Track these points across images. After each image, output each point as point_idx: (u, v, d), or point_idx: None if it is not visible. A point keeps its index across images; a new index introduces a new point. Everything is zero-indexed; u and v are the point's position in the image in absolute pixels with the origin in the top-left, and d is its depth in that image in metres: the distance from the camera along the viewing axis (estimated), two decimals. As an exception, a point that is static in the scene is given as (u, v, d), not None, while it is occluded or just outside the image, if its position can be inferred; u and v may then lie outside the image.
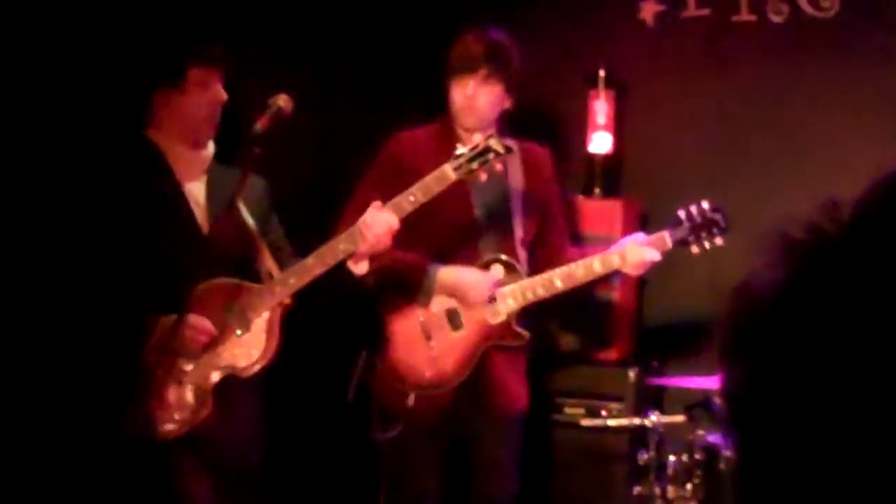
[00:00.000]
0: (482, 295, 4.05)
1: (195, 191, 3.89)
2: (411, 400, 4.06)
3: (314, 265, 3.78)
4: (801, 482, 0.92)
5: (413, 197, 3.77)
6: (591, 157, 5.17)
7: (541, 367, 4.88)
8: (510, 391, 4.17)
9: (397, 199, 3.78)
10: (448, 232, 4.01)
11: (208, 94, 3.83)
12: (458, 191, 3.95)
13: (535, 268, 4.12)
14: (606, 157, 5.17)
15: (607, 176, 5.18)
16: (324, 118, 4.75)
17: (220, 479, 3.82)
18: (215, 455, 3.80)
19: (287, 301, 3.82)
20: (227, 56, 3.90)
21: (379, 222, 3.76)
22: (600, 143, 5.16)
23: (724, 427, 1.03)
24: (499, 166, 3.81)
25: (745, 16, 5.03)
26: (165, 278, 3.73)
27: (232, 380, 3.79)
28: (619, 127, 5.18)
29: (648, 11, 5.16)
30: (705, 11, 5.09)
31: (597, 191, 5.14)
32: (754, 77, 5.01)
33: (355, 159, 4.31)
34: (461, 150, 3.75)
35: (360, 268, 3.85)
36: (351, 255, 3.80)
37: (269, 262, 3.89)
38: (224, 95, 3.86)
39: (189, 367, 3.76)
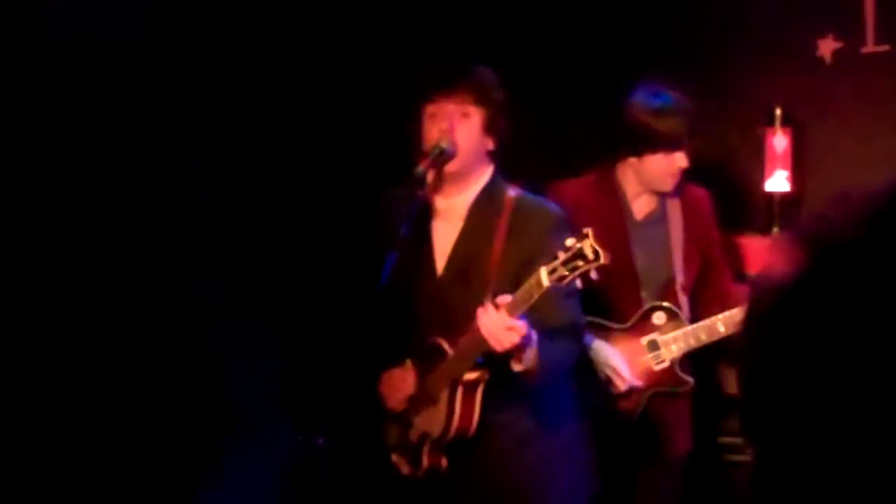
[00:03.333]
0: (621, 387, 4.09)
1: (445, 236, 3.82)
2: None
3: (467, 350, 3.63)
4: (815, 483, 0.90)
5: (522, 299, 3.47)
6: (769, 196, 5.12)
7: (715, 410, 4.85)
8: (672, 435, 4.20)
9: (514, 299, 3.48)
10: (609, 281, 4.01)
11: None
12: (618, 238, 3.97)
13: (699, 312, 4.13)
14: (784, 196, 5.12)
15: (786, 215, 5.13)
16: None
17: None
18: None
19: (470, 377, 3.67)
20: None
21: (494, 322, 3.48)
22: (778, 181, 5.11)
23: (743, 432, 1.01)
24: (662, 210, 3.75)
25: (926, 50, 4.95)
26: (404, 326, 3.81)
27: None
28: (798, 165, 5.13)
29: (826, 49, 5.10)
30: (885, 47, 5.00)
31: (775, 230, 5.10)
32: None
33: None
34: (560, 253, 3.38)
35: (515, 366, 3.57)
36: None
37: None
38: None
39: (402, 420, 3.85)
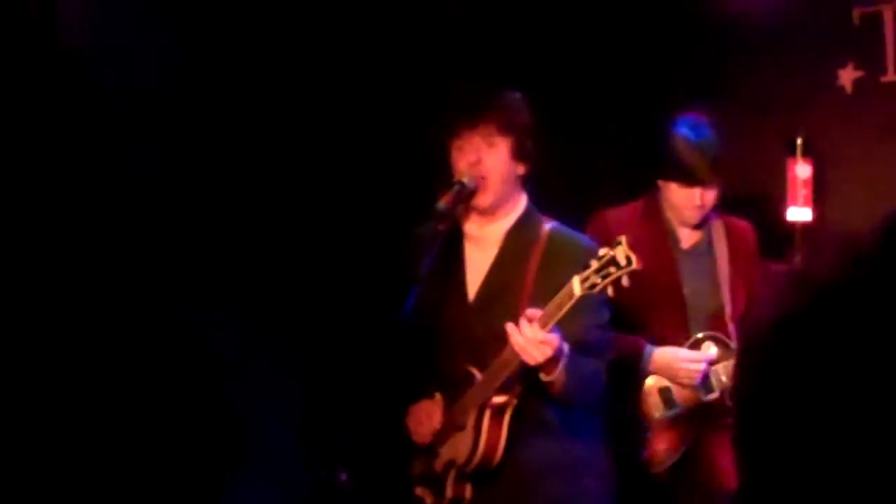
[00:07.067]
0: (693, 376, 4.03)
1: (479, 263, 3.79)
2: None
3: (497, 371, 3.60)
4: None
5: (553, 310, 3.45)
6: (791, 226, 5.11)
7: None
8: (722, 468, 4.10)
9: (545, 311, 3.46)
10: (658, 310, 4.00)
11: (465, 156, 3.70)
12: (666, 268, 3.96)
13: None
14: (806, 226, 5.11)
15: (807, 245, 5.11)
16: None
17: None
18: None
19: (498, 400, 3.63)
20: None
21: (526, 337, 3.44)
22: (799, 211, 5.10)
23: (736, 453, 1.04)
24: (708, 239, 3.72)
25: (946, 79, 4.95)
26: (433, 356, 3.78)
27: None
28: (819, 195, 5.12)
29: (847, 78, 5.10)
30: (906, 76, 5.02)
31: (797, 260, 5.08)
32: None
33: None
34: (593, 261, 3.40)
35: (543, 376, 3.54)
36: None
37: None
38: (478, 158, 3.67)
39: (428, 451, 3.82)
